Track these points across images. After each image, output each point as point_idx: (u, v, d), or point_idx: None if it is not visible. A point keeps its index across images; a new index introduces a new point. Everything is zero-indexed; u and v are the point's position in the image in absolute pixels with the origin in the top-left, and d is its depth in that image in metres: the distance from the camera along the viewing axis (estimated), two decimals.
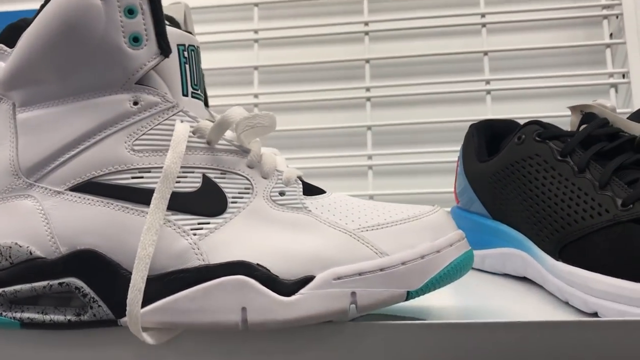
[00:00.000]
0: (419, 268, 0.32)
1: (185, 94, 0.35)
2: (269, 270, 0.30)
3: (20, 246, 0.32)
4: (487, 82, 0.73)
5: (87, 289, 0.31)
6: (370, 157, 0.76)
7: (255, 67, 0.78)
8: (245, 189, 0.33)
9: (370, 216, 0.34)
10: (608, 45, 0.73)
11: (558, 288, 0.40)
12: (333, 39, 0.78)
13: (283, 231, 0.32)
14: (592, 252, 0.38)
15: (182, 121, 0.33)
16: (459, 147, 0.56)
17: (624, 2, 0.72)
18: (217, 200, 0.33)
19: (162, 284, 0.30)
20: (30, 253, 0.32)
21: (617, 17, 0.75)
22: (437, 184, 0.72)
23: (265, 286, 0.30)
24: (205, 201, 0.32)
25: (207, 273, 0.31)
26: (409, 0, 0.79)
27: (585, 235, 0.39)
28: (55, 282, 0.32)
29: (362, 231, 0.32)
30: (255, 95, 0.78)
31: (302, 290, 0.30)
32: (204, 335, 0.32)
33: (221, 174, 0.33)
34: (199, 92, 0.36)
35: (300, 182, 0.35)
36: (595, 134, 0.44)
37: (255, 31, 0.79)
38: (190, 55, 0.36)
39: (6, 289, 0.32)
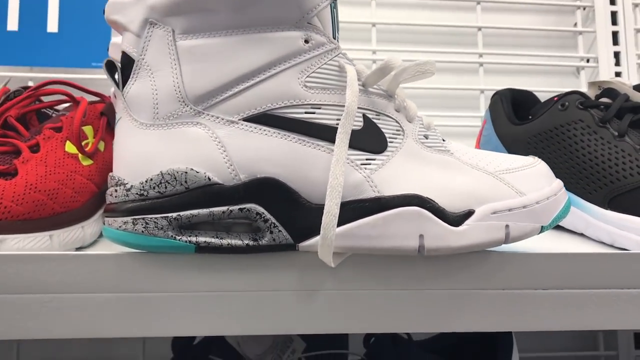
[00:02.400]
0: (547, 207, 0.37)
1: (334, 37, 0.37)
2: (437, 203, 0.34)
3: (197, 172, 0.32)
4: (481, 55, 0.80)
5: (267, 214, 0.33)
6: None
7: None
8: (397, 130, 0.36)
9: (497, 162, 0.38)
10: (580, 33, 0.83)
11: (608, 232, 0.47)
12: None
13: (438, 170, 0.36)
14: None
15: (344, 62, 0.35)
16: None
17: None
18: (378, 139, 0.35)
19: (343, 211, 0.33)
20: (209, 179, 0.32)
21: (584, 9, 0.85)
22: None
23: (437, 217, 0.34)
24: (370, 139, 0.35)
25: (383, 203, 0.33)
26: None
27: (633, 189, 0.46)
28: (236, 207, 0.33)
29: (500, 173, 0.37)
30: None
31: (467, 222, 0.34)
32: (374, 259, 0.35)
33: (376, 114, 0.36)
34: (338, 37, 0.38)
35: (435, 128, 0.38)
36: (624, 106, 0.52)
37: None
38: (334, 2, 0.37)
39: (182, 213, 0.32)
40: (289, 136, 0.33)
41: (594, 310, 0.37)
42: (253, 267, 0.34)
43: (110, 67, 0.35)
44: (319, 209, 0.33)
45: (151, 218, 0.32)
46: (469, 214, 0.34)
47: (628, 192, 0.46)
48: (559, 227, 0.53)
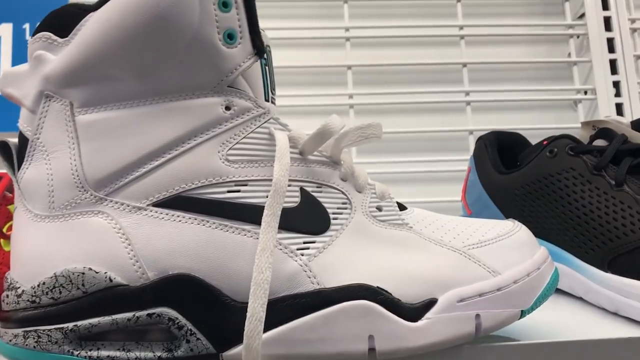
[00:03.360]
0: (527, 286, 0.31)
1: (267, 99, 0.31)
2: (391, 294, 0.28)
3: (97, 272, 0.27)
4: (467, 93, 0.74)
5: (182, 320, 0.27)
6: None
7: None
8: (343, 203, 0.31)
9: (467, 232, 0.32)
10: (575, 63, 0.77)
11: (610, 299, 0.41)
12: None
13: (393, 250, 0.30)
14: None
15: (274, 129, 0.30)
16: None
17: (589, 24, 0.77)
18: (319, 216, 0.30)
19: (274, 311, 0.27)
20: (110, 280, 0.27)
21: (577, 37, 0.80)
22: (428, 193, 0.72)
23: (391, 311, 0.28)
24: (308, 217, 0.29)
25: (324, 297, 0.28)
26: (387, 9, 0.78)
27: (636, 248, 0.40)
28: (143, 313, 0.27)
29: (469, 249, 0.31)
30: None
31: (427, 315, 0.28)
32: None
33: (317, 187, 0.31)
34: (275, 96, 0.33)
35: (391, 196, 0.33)
36: (622, 149, 0.46)
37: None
38: (268, 56, 0.32)
39: (79, 323, 0.27)
40: (207, 221, 0.28)
41: None
42: None
43: (5, 148, 0.30)
44: (245, 309, 0.27)
45: (44, 330, 0.27)
46: (430, 304, 0.28)
47: (630, 252, 0.40)
48: (556, 289, 0.46)
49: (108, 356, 0.27)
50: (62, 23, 0.30)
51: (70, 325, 0.27)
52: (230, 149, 0.29)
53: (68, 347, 0.27)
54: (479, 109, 0.75)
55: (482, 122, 0.73)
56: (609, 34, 0.77)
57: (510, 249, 0.32)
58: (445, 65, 0.76)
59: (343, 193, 0.31)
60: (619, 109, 0.75)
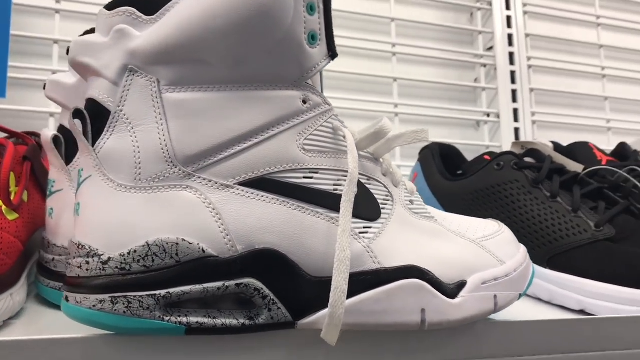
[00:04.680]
0: (522, 274, 0.38)
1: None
2: (435, 275, 0.33)
3: (190, 243, 0.29)
4: (396, 105, 0.82)
5: (266, 290, 0.30)
6: None
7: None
8: (386, 196, 0.35)
9: (472, 228, 0.38)
10: (484, 89, 0.88)
11: (548, 290, 0.49)
12: None
13: (428, 238, 0.35)
14: (579, 263, 0.48)
15: (338, 124, 0.34)
16: None
17: (497, 56, 0.89)
18: (372, 205, 0.34)
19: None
20: (203, 251, 0.29)
21: (485, 66, 0.91)
22: None
23: (436, 289, 0.33)
24: (364, 205, 0.33)
25: (384, 275, 0.32)
26: None
27: (570, 249, 0.49)
28: (232, 282, 0.29)
29: (481, 241, 0.37)
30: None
31: (461, 293, 0.34)
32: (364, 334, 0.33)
33: (367, 179, 0.35)
34: None
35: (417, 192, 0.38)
36: (552, 168, 0.55)
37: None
38: None
39: (171, 290, 0.28)
40: (287, 203, 0.31)
41: None
42: (247, 348, 0.30)
43: (81, 116, 0.31)
44: (318, 283, 0.31)
45: (135, 296, 0.28)
46: (462, 285, 0.34)
47: (565, 252, 0.49)
48: None
49: (197, 322, 0.29)
50: (148, 1, 0.31)
51: (163, 292, 0.28)
52: (305, 139, 0.32)
53: (159, 312, 0.28)
54: (405, 121, 0.83)
55: None
56: (512, 67, 0.90)
57: (505, 243, 0.39)
58: (377, 78, 0.83)
59: (385, 186, 0.35)
60: (517, 133, 0.87)
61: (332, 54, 0.33)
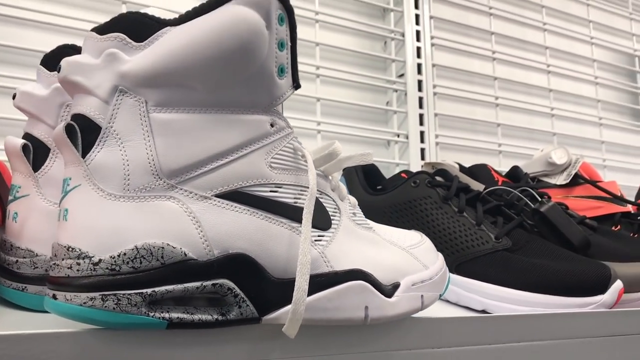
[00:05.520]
0: (442, 277, 0.45)
1: None
2: (375, 277, 0.39)
3: (174, 247, 0.33)
4: (318, 123, 0.88)
5: (237, 290, 0.34)
6: None
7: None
8: (334, 208, 0.41)
9: (402, 238, 0.45)
10: (395, 112, 0.97)
11: (455, 293, 0.57)
12: None
13: (370, 245, 0.41)
14: (482, 269, 0.56)
15: (298, 145, 0.39)
16: None
17: (408, 83, 0.98)
18: (324, 217, 0.39)
19: None
20: (185, 254, 0.33)
21: (396, 91, 1.00)
22: None
23: (377, 290, 0.39)
24: (318, 217, 0.39)
25: (334, 277, 0.37)
26: None
27: (475, 257, 0.57)
28: (209, 283, 0.33)
29: (410, 249, 0.44)
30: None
31: (397, 293, 0.40)
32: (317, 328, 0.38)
33: (320, 194, 0.40)
34: None
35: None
36: (459, 187, 0.64)
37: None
38: None
39: (157, 289, 0.32)
40: (257, 213, 0.35)
41: None
42: (220, 341, 0.35)
43: (71, 131, 0.33)
44: (281, 284, 0.35)
45: (124, 294, 0.31)
46: (397, 286, 0.40)
47: (471, 260, 0.57)
48: None
49: (177, 317, 0.33)
50: (137, 29, 0.34)
51: (149, 290, 0.32)
52: (272, 157, 0.37)
53: (144, 309, 0.32)
54: (327, 138, 0.90)
55: None
56: (420, 94, 0.99)
57: (428, 251, 0.45)
58: (302, 97, 0.89)
59: (334, 200, 0.41)
60: (422, 152, 0.96)
61: (296, 84, 0.38)
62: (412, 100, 0.97)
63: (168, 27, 0.34)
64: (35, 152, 0.41)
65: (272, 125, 0.37)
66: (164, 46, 0.34)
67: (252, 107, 0.36)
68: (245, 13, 0.34)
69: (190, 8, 0.35)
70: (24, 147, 0.40)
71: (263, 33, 0.35)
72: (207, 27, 0.34)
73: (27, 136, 0.42)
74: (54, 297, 0.32)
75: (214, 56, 0.34)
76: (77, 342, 0.31)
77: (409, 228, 0.62)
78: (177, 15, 0.35)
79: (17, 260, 0.40)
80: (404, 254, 0.42)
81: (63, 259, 0.32)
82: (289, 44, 0.38)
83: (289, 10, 0.37)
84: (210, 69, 0.34)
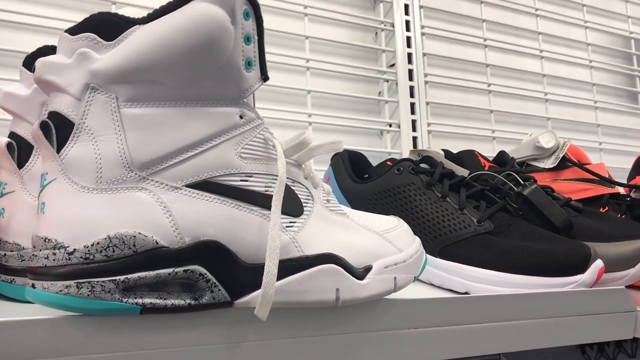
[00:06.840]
0: (416, 260, 0.46)
1: None
2: (346, 260, 0.40)
3: (146, 236, 0.34)
4: (310, 115, 0.89)
5: (209, 275, 0.36)
6: None
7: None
8: (307, 196, 0.42)
9: (377, 223, 0.46)
10: (386, 102, 0.98)
11: (438, 276, 0.58)
12: None
13: (342, 230, 0.42)
14: (464, 253, 0.58)
15: (268, 136, 0.40)
16: None
17: (398, 73, 0.99)
18: (296, 204, 0.41)
19: None
20: (156, 242, 0.34)
21: (387, 81, 1.01)
22: None
23: (348, 272, 0.40)
24: (290, 204, 0.40)
25: (306, 261, 0.39)
26: None
27: (457, 241, 0.59)
28: (180, 269, 0.35)
29: (384, 233, 0.45)
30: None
31: (368, 275, 0.41)
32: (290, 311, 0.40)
33: (292, 182, 0.41)
34: None
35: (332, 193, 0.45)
36: (443, 173, 0.65)
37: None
38: None
39: (129, 276, 0.34)
40: (227, 202, 0.37)
41: (452, 342, 0.46)
42: (193, 325, 0.36)
43: (45, 128, 0.35)
44: (252, 269, 0.37)
45: (98, 281, 0.33)
46: (369, 269, 0.41)
47: (453, 244, 0.59)
48: None
49: (150, 302, 0.34)
50: (107, 28, 0.36)
51: (122, 277, 0.33)
52: (242, 148, 0.38)
53: (118, 295, 0.33)
54: (318, 130, 0.91)
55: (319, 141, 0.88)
56: (411, 83, 1.00)
57: (403, 235, 0.47)
58: (293, 90, 0.90)
59: (307, 188, 0.42)
60: (415, 141, 0.97)
61: (265, 77, 0.40)
62: (403, 90, 0.98)
63: (137, 26, 0.36)
64: (20, 150, 0.43)
65: (241, 117, 0.38)
66: (132, 44, 0.35)
67: (221, 100, 0.38)
68: (209, 9, 0.36)
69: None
70: (9, 146, 0.42)
71: (228, 28, 0.36)
72: (174, 24, 0.35)
73: (12, 135, 0.44)
74: (33, 286, 0.34)
75: (180, 52, 0.35)
76: (54, 328, 0.33)
77: (393, 214, 0.63)
78: (145, 14, 0.37)
79: (5, 254, 0.42)
80: (377, 238, 0.44)
81: (41, 250, 0.34)
82: (256, 37, 0.39)
83: (254, 6, 0.39)
84: (177, 64, 0.35)
